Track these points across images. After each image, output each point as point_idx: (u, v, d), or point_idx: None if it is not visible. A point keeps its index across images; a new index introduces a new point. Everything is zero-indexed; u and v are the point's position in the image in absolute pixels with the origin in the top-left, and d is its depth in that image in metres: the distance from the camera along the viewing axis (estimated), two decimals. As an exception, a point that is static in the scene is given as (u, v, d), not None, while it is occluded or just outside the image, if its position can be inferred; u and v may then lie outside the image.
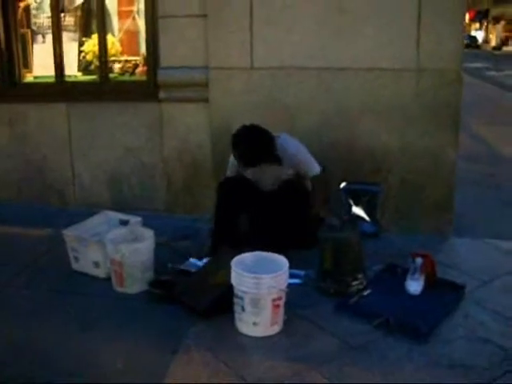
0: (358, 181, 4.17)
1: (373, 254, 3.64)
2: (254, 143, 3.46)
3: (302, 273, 3.42)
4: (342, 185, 4.20)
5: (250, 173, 3.71)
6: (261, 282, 2.82)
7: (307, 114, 4.18)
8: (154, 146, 4.69)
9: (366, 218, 4.19)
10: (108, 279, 3.47)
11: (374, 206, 4.17)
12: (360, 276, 3.29)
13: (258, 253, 3.05)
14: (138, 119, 4.68)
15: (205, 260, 3.54)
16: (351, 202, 4.22)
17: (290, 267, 2.95)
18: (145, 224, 3.74)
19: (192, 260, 3.63)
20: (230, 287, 2.92)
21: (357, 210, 4.20)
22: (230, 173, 3.85)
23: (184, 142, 4.61)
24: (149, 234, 3.44)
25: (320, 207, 3.60)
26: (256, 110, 4.20)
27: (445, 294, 3.18)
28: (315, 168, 3.66)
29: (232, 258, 2.97)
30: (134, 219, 3.73)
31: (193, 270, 3.45)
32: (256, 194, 3.75)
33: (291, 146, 3.65)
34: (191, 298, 3.09)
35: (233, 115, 4.23)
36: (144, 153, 4.73)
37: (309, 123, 4.17)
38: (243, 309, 2.86)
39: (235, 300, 2.90)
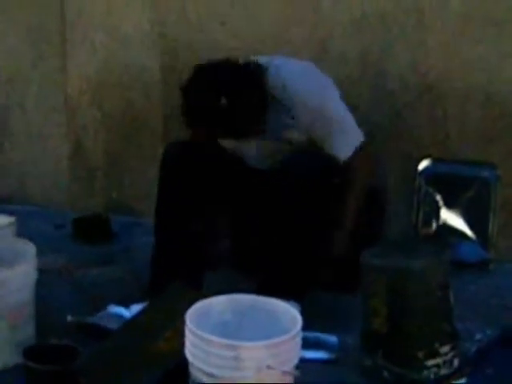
0: (453, 159, 3.24)
1: (477, 304, 2.86)
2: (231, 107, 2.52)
3: (332, 339, 2.62)
4: (423, 164, 3.25)
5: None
6: (244, 357, 1.99)
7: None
8: (44, 73, 3.63)
9: (469, 232, 3.26)
10: None
11: (484, 209, 3.20)
12: (445, 349, 2.42)
13: (241, 296, 2.27)
14: (11, 15, 3.64)
15: (137, 307, 2.71)
16: (439, 199, 3.28)
17: (309, 328, 2.18)
18: (21, 231, 2.91)
19: (113, 308, 2.79)
20: (182, 364, 2.15)
21: (450, 217, 3.28)
22: None
23: (107, 68, 3.56)
24: (28, 252, 2.64)
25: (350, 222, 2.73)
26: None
27: None
28: (347, 143, 2.67)
29: (189, 304, 2.20)
30: (1, 220, 3.03)
31: (113, 326, 2.61)
32: (240, 174, 2.86)
33: (309, 87, 2.68)
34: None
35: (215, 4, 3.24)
36: (24, 84, 3.67)
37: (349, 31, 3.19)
38: (208, 408, 2.12)
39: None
